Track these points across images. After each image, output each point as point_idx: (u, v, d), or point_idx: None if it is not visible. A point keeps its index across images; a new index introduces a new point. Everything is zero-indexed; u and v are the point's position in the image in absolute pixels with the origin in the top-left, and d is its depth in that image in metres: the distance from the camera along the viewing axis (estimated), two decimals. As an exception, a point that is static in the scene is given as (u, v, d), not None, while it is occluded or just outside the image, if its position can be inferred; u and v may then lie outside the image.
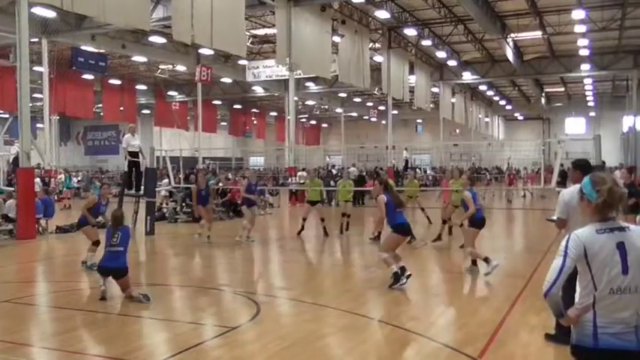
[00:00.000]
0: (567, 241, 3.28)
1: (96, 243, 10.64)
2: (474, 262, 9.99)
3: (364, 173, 31.80)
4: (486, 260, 9.54)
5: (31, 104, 16.86)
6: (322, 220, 15.76)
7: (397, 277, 8.88)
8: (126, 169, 17.17)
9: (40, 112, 29.61)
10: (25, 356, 6.14)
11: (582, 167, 5.99)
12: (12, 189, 17.99)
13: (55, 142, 33.36)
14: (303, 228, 15.59)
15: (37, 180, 21.32)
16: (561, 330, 5.83)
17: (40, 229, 16.26)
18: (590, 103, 56.46)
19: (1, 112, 35.14)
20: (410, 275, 9.02)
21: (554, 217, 6.05)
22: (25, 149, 15.95)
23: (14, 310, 8.06)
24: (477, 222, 9.77)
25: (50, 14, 23.52)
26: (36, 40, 25.33)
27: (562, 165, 17.65)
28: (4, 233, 15.08)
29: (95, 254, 10.56)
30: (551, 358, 6.05)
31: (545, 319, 7.26)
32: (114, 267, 8.17)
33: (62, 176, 30.24)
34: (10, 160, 25.04)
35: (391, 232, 9.40)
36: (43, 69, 27.45)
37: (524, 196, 31.14)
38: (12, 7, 18.19)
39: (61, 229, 16.79)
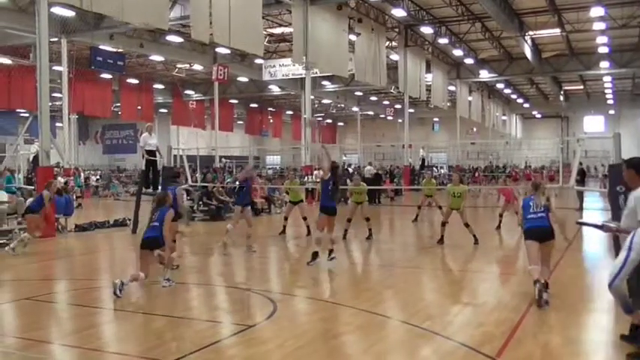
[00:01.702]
0: (632, 236, 3.27)
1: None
2: (542, 284, 7.86)
3: (380, 172, 31.76)
4: (535, 283, 7.87)
5: (50, 103, 17.00)
6: (305, 218, 15.61)
7: (315, 256, 10.53)
8: (143, 167, 17.29)
9: (60, 111, 29.90)
10: (45, 353, 6.20)
11: (636, 166, 5.87)
12: (32, 187, 18.19)
13: (74, 141, 33.71)
14: (284, 229, 15.57)
15: (61, 179, 21.55)
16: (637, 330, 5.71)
17: (60, 227, 16.42)
18: (610, 101, 55.91)
19: (22, 111, 35.53)
20: (334, 258, 10.70)
21: (613, 224, 5.79)
22: (44, 148, 16.10)
23: (34, 307, 8.15)
24: (525, 232, 8.35)
25: (69, 14, 23.74)
26: (55, 39, 25.59)
27: (581, 163, 17.50)
28: (25, 231, 15.21)
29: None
30: (570, 358, 5.99)
31: (564, 318, 7.22)
32: (151, 236, 8.93)
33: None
34: (30, 159, 25.31)
35: (320, 212, 10.71)
36: (62, 68, 27.71)
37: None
38: (32, 6, 18.42)
39: (80, 228, 16.96)
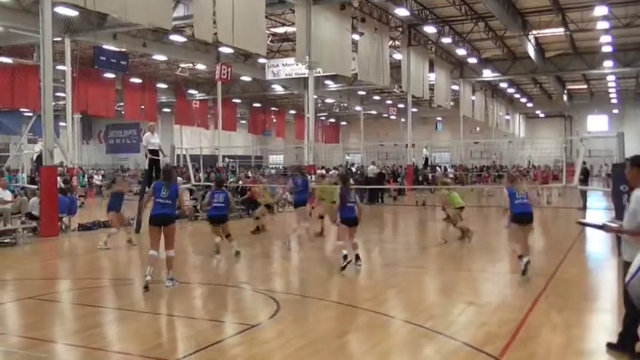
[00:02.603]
0: None
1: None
2: (520, 257, 9.80)
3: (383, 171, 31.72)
4: (520, 257, 9.73)
5: (54, 103, 17.02)
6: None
7: (345, 257, 10.38)
8: (146, 167, 17.29)
9: (63, 110, 29.94)
10: (49, 352, 6.22)
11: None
12: (35, 187, 18.23)
13: (77, 140, 33.75)
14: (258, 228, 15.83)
15: (59, 179, 21.56)
16: (624, 339, 5.69)
17: (63, 226, 16.45)
18: (613, 100, 55.75)
19: (25, 110, 35.64)
20: (350, 261, 10.48)
21: (615, 225, 5.73)
22: (48, 147, 16.12)
23: (38, 306, 8.18)
24: (513, 217, 9.92)
25: (73, 13, 23.78)
26: (59, 39, 25.61)
27: (584, 162, 17.46)
28: (28, 231, 15.26)
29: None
30: (573, 358, 5.99)
31: (568, 318, 7.21)
32: (164, 213, 8.86)
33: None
34: (34, 159, 25.37)
35: (340, 224, 10.86)
36: (65, 68, 27.75)
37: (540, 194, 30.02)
38: (35, 6, 18.43)
39: (83, 227, 16.99)
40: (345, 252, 10.44)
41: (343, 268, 10.31)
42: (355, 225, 10.78)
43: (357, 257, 10.70)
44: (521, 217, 9.78)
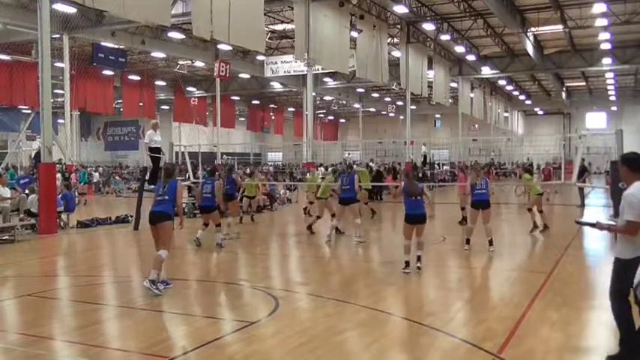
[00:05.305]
0: None
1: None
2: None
3: (382, 168, 31.68)
4: (467, 242, 12.34)
5: (52, 100, 17.01)
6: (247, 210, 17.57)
7: (407, 264, 10.04)
8: (150, 164, 17.11)
9: (62, 107, 29.90)
10: (47, 349, 6.23)
11: (630, 162, 5.62)
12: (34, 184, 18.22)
13: (75, 137, 33.73)
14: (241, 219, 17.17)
15: (59, 176, 21.53)
16: (626, 348, 5.62)
17: (62, 223, 16.45)
18: (612, 98, 55.77)
19: (24, 107, 35.63)
20: (408, 265, 10.02)
21: (606, 223, 5.71)
22: (46, 145, 16.10)
23: (36, 303, 8.17)
24: (472, 202, 12.35)
25: (71, 10, 23.75)
26: (57, 36, 25.60)
27: (583, 160, 17.46)
28: (27, 228, 15.26)
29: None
30: (572, 355, 5.99)
31: (566, 315, 7.23)
32: (159, 210, 8.60)
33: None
34: (32, 156, 25.33)
35: (404, 222, 10.49)
36: (64, 65, 27.71)
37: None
38: (34, 3, 18.40)
39: (81, 224, 16.98)
40: (407, 258, 10.05)
41: (404, 270, 9.95)
42: (421, 223, 10.32)
43: (419, 258, 10.18)
44: (477, 204, 12.15)
